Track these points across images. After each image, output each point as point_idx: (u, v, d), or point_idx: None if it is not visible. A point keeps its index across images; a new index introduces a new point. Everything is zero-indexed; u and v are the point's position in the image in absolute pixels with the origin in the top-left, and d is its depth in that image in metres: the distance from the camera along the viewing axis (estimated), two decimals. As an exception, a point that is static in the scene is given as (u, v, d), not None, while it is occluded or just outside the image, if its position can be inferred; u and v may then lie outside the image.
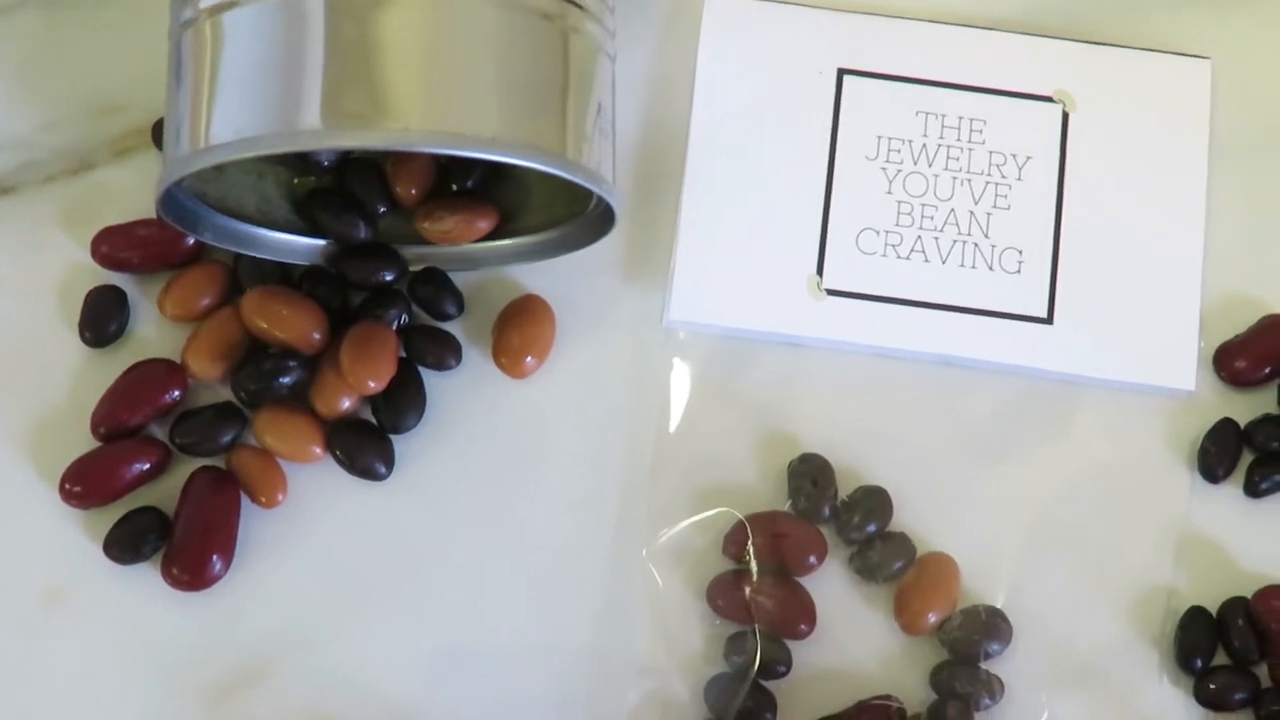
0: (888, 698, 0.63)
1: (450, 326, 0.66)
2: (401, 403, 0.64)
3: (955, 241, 0.66)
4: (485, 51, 0.56)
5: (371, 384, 0.63)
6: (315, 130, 0.54)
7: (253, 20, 0.56)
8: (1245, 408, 0.67)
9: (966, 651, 0.63)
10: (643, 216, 0.67)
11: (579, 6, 0.59)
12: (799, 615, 0.64)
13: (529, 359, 0.65)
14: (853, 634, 0.65)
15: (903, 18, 0.69)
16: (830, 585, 0.65)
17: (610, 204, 0.60)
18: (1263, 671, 0.65)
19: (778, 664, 0.63)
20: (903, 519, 0.65)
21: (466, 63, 0.56)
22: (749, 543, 0.64)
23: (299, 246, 0.65)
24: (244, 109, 0.55)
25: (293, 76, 0.55)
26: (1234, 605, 0.65)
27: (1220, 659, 0.65)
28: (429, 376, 0.65)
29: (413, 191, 0.65)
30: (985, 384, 0.66)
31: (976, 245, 0.66)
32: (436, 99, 0.55)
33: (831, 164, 0.67)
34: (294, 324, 0.64)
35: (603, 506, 0.65)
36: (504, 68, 0.56)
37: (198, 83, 0.56)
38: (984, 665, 0.63)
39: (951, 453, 0.66)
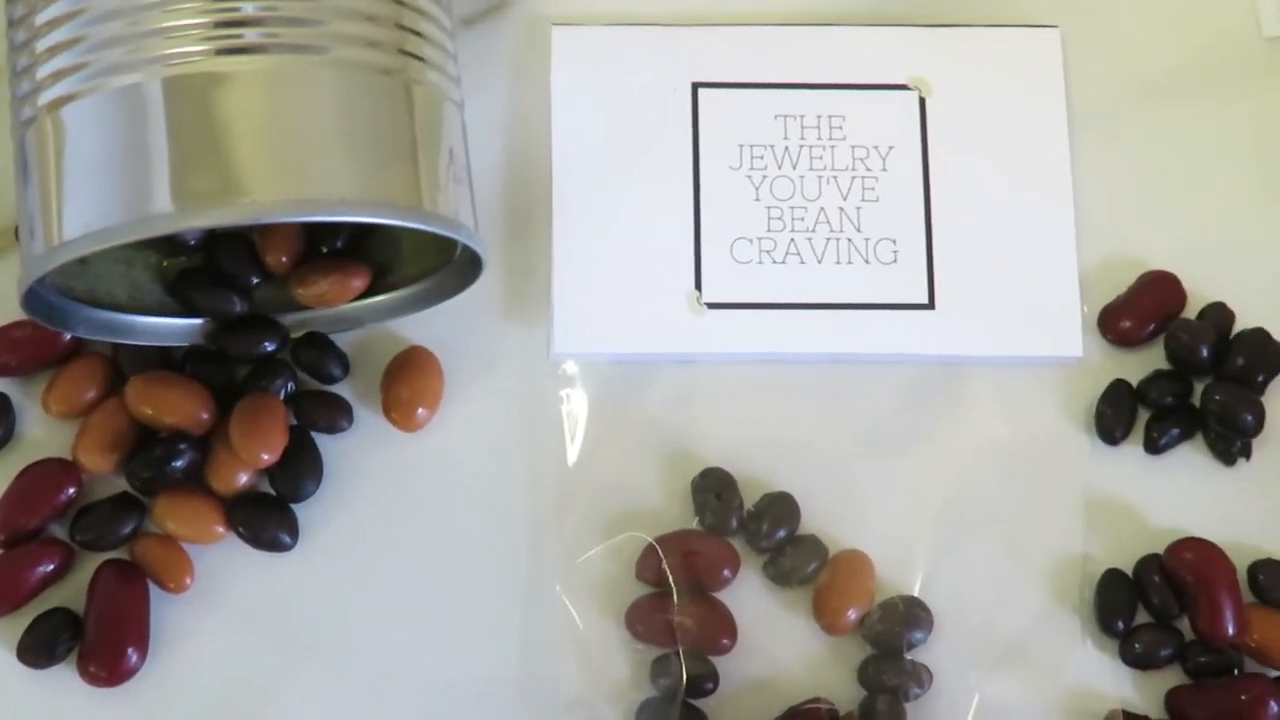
0: (817, 700, 0.64)
1: (338, 388, 0.67)
2: (298, 471, 0.65)
3: (828, 240, 0.68)
4: (327, 115, 0.57)
5: (265, 456, 0.64)
6: (165, 214, 0.55)
7: (92, 112, 0.56)
8: (1135, 366, 0.68)
9: (890, 644, 0.64)
10: (517, 254, 0.68)
11: (419, 58, 0.60)
12: (720, 630, 0.65)
13: (420, 411, 0.66)
14: (776, 641, 0.65)
15: (751, 24, 0.70)
16: (748, 596, 0.66)
17: (474, 248, 0.60)
18: (1185, 625, 0.66)
19: (705, 681, 0.64)
20: (811, 521, 0.66)
21: (309, 128, 0.57)
22: (662, 564, 0.64)
23: (176, 328, 0.66)
24: (93, 200, 0.56)
25: (138, 163, 0.56)
26: (1148, 563, 0.66)
27: (1142, 618, 0.66)
28: (323, 441, 0.66)
29: (283, 259, 0.66)
30: (876, 377, 0.68)
31: (850, 241, 0.68)
32: (282, 168, 0.56)
33: (697, 178, 0.68)
34: (180, 407, 0.64)
35: (513, 547, 0.66)
36: (348, 128, 0.57)
37: (44, 179, 0.57)
38: (909, 655, 0.65)
39: (852, 449, 0.67)
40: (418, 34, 0.60)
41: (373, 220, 0.57)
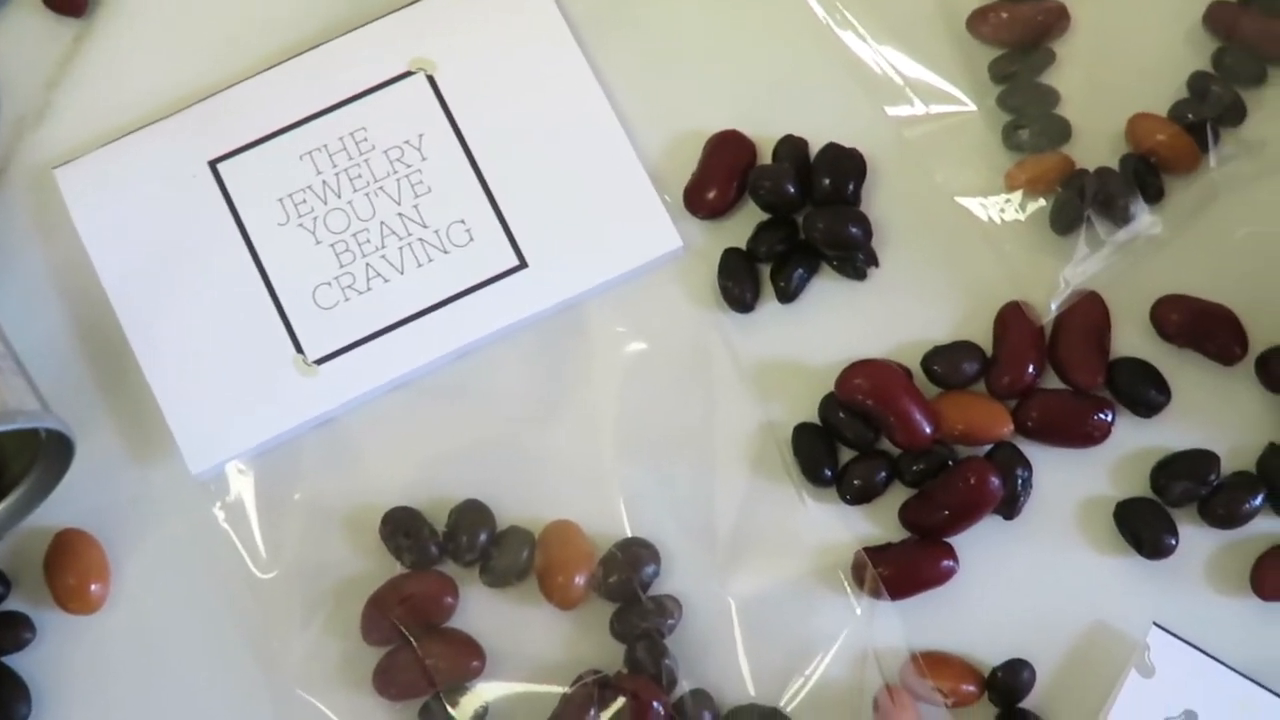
0: (582, 677, 0.66)
1: (8, 604, 0.67)
2: (2, 702, 0.65)
3: (401, 248, 0.69)
4: None
5: (-41, 706, 0.64)
6: None
7: None
8: (737, 231, 0.71)
9: (626, 593, 0.67)
10: (120, 399, 0.69)
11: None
12: (466, 657, 0.66)
13: (94, 588, 0.67)
14: (525, 639, 0.67)
15: (241, 81, 0.71)
16: (480, 611, 0.68)
17: (47, 426, 0.61)
18: (888, 444, 0.68)
19: (475, 708, 0.65)
20: (509, 513, 0.68)
21: None
22: (386, 621, 0.66)
23: None
24: None
25: None
26: (827, 404, 0.69)
27: (847, 455, 0.69)
28: (16, 661, 0.67)
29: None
30: (505, 352, 0.69)
31: (421, 240, 0.69)
32: None
33: (252, 249, 0.69)
34: None
35: (244, 675, 0.67)
36: None
37: None
38: (651, 594, 0.67)
39: (516, 429, 0.69)
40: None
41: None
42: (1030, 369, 0.69)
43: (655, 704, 0.65)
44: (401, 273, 0.69)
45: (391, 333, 0.68)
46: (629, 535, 0.68)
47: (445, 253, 0.69)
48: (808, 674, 0.66)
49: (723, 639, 0.67)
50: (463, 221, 0.69)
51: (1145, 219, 0.69)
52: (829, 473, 0.68)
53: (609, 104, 0.71)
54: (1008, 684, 0.66)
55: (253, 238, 0.69)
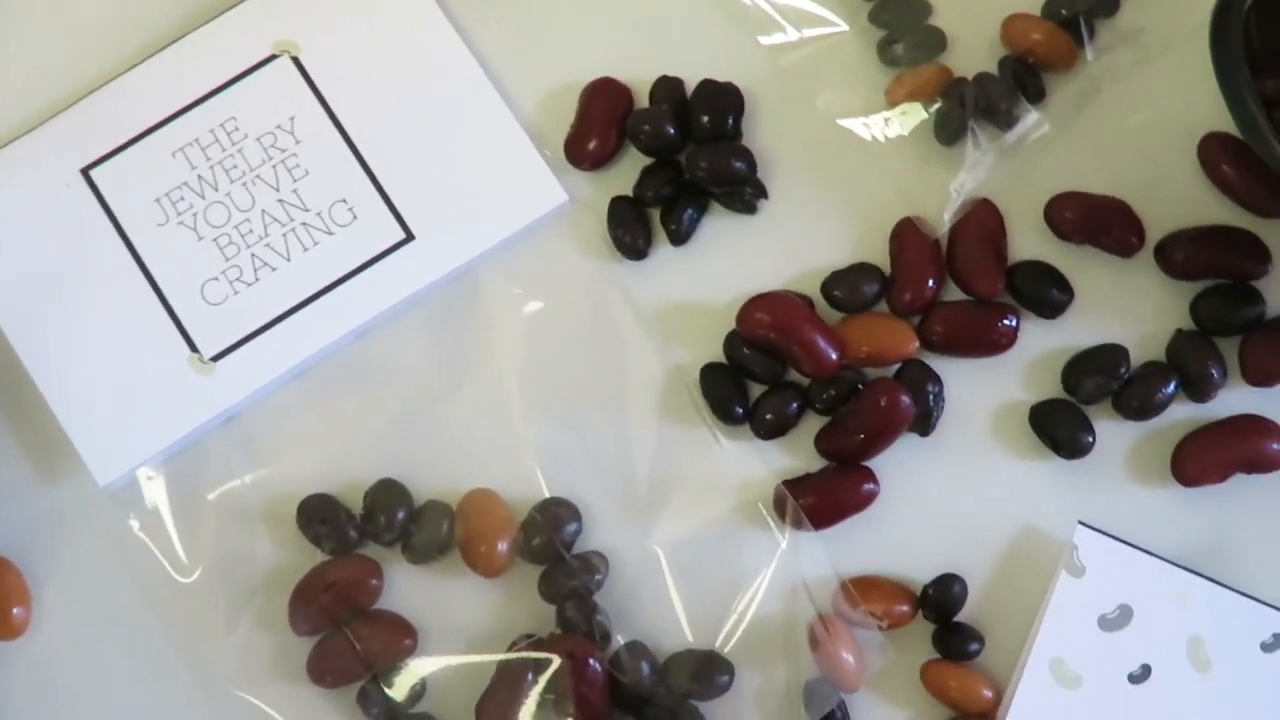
0: (516, 642, 0.66)
1: (-71, 639, 0.67)
2: (-65, 736, 0.65)
3: (285, 235, 0.69)
4: None
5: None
6: None
7: None
8: (622, 179, 0.70)
9: (550, 554, 0.66)
10: (20, 419, 0.69)
11: None
12: (397, 636, 0.66)
13: (16, 612, 0.67)
14: (455, 612, 0.67)
15: (104, 85, 0.70)
16: (409, 589, 0.67)
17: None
18: (796, 377, 0.68)
19: (412, 688, 0.65)
20: (427, 487, 0.68)
21: None
22: (312, 611, 0.66)
23: None
24: None
25: None
26: (731, 341, 0.69)
27: (757, 391, 0.69)
28: (-56, 694, 0.66)
29: None
30: (405, 325, 0.69)
31: (305, 224, 0.69)
32: None
33: (135, 253, 0.68)
34: None
35: (178, 685, 0.67)
36: None
37: None
38: (575, 552, 0.67)
39: (422, 404, 0.69)
40: None
41: None
42: (930, 283, 0.69)
43: (590, 661, 0.65)
44: (288, 259, 0.68)
45: (285, 321, 0.68)
46: (547, 496, 0.67)
47: (330, 234, 0.69)
48: (740, 613, 0.66)
49: (653, 588, 0.67)
50: (344, 201, 0.69)
51: (1029, 120, 0.69)
52: (740, 410, 0.68)
53: (479, 65, 0.70)
54: (940, 600, 0.66)
55: (134, 241, 0.68)
